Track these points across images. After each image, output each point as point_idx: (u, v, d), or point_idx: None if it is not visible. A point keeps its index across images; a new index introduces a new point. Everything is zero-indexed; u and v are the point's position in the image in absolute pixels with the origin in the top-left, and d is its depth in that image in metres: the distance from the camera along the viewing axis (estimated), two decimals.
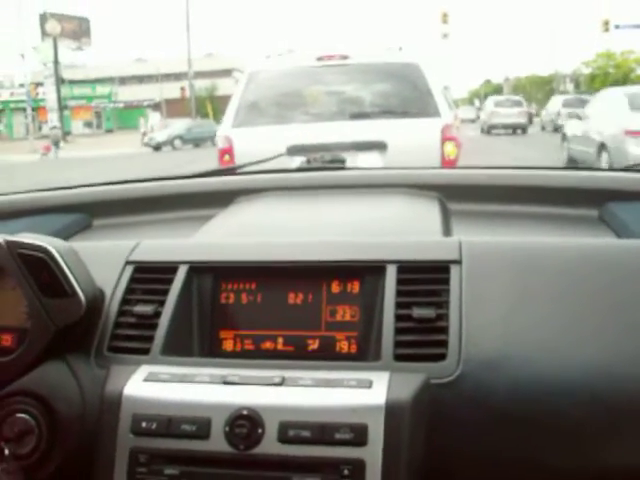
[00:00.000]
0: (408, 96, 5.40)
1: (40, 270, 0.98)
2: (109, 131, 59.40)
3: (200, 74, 51.98)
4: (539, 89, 75.16)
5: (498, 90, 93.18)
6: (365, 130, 5.07)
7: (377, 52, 5.57)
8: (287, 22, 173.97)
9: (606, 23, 35.15)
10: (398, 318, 1.03)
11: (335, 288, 1.10)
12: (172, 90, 56.75)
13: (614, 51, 55.62)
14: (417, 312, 1.03)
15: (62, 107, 44.65)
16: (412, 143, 5.01)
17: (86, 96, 58.04)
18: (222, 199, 1.70)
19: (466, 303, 1.03)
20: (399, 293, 1.05)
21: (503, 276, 1.07)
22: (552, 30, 65.33)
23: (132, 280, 1.15)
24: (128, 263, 1.17)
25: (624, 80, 53.68)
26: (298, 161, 5.06)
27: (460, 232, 1.35)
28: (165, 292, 1.11)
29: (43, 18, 44.88)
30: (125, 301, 1.12)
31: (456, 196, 1.63)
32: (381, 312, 1.05)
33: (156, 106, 58.41)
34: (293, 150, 4.99)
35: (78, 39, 50.59)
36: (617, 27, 36.37)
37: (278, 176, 1.85)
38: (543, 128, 29.77)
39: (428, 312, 1.03)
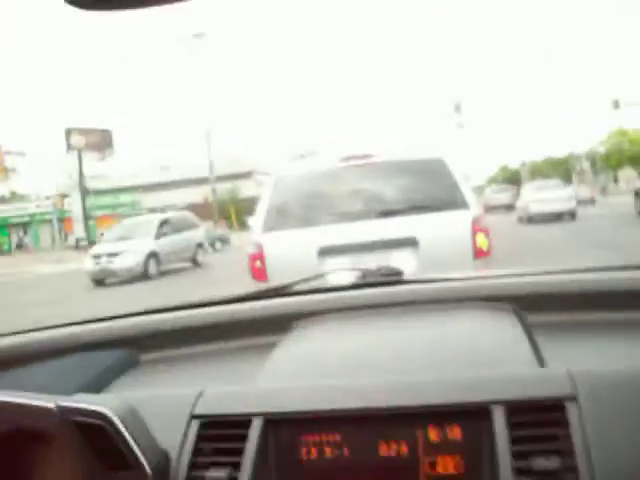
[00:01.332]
0: (435, 190, 5.39)
1: (98, 439, 0.87)
2: None
3: (222, 178, 53.15)
4: (556, 171, 75.84)
5: (516, 175, 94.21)
6: (395, 227, 5.05)
7: (401, 150, 5.61)
8: (303, 122, 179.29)
9: (616, 102, 35.80)
10: (518, 472, 0.88)
11: (433, 435, 0.96)
12: (196, 194, 57.98)
13: (627, 128, 56.43)
14: (538, 463, 0.88)
15: (87, 217, 45.67)
16: (443, 237, 4.99)
17: (110, 205, 59.38)
18: (279, 324, 1.57)
19: (594, 448, 0.88)
20: (514, 440, 0.91)
21: (632, 412, 0.91)
22: (565, 111, 66.35)
23: (200, 438, 1.02)
24: (194, 417, 1.05)
25: (638, 156, 54.20)
26: (331, 265, 5.14)
27: (549, 352, 1.20)
28: (239, 452, 0.99)
29: (68, 133, 46.64)
30: (194, 465, 0.99)
31: (533, 306, 1.47)
32: (492, 464, 0.91)
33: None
34: (324, 251, 4.99)
35: (102, 150, 52.26)
36: (628, 105, 37.04)
37: (335, 295, 1.70)
38: None
39: (552, 463, 0.88)
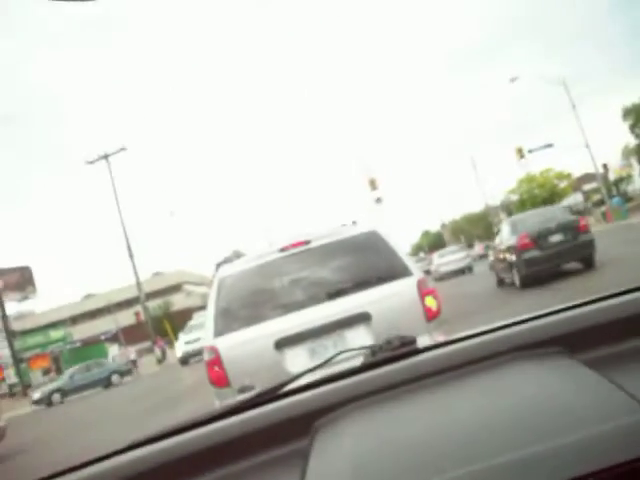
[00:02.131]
0: (377, 263, 5.47)
1: None
2: None
3: (151, 295, 52.42)
4: (477, 225, 78.29)
5: (438, 237, 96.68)
6: (345, 306, 5.06)
7: (335, 230, 5.70)
8: (221, 227, 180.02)
9: (520, 150, 37.62)
10: None
11: None
12: (127, 317, 56.84)
13: (534, 173, 59.13)
14: None
15: (18, 361, 43.73)
16: (393, 307, 5.02)
17: (41, 344, 57.28)
18: (293, 429, 1.33)
19: None
20: None
21: None
22: (475, 168, 69.13)
23: None
24: None
25: (552, 196, 56.63)
26: (291, 356, 5.12)
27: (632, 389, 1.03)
28: None
29: None
30: None
31: (582, 344, 1.31)
32: None
33: (114, 337, 58.10)
34: (281, 344, 4.95)
35: (23, 289, 50.84)
36: (530, 151, 38.97)
37: (348, 382, 1.45)
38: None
39: None
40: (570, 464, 0.80)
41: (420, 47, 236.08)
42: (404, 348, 1.55)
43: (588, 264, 14.94)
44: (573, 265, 15.37)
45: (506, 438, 0.95)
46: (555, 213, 16.42)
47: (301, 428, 1.32)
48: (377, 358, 1.54)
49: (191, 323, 33.18)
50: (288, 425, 1.34)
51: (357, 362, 1.60)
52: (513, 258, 15.23)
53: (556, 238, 14.67)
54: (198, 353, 27.94)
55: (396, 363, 1.46)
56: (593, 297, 1.49)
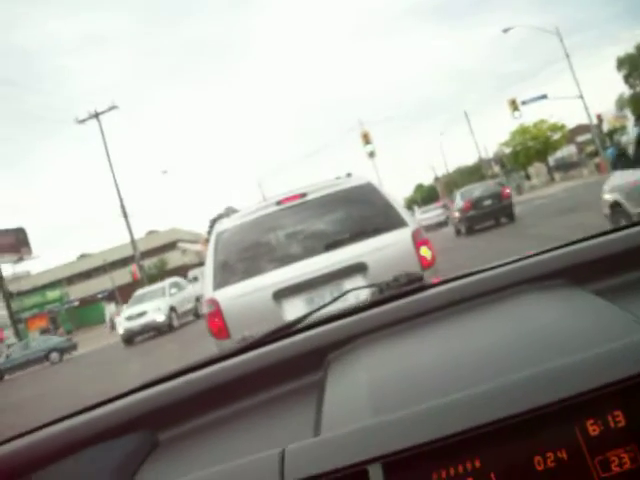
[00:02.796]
0: (372, 214, 5.54)
1: None
2: (69, 333, 58.67)
3: (146, 253, 52.43)
4: (470, 179, 78.14)
5: (432, 190, 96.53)
6: (342, 257, 5.14)
7: (330, 183, 5.74)
8: (212, 187, 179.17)
9: (513, 102, 37.10)
10: None
11: (595, 430, 0.80)
12: (123, 276, 56.96)
13: (527, 125, 58.68)
14: None
15: (16, 321, 43.83)
16: (389, 257, 5.10)
17: (38, 304, 57.44)
18: (307, 364, 1.35)
19: None
20: None
21: None
22: (468, 120, 68.77)
23: None
24: None
25: (545, 148, 56.38)
26: (289, 307, 5.21)
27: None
28: None
29: None
30: None
31: (584, 276, 1.34)
32: None
33: (110, 296, 58.32)
34: (279, 295, 5.04)
35: (18, 251, 50.74)
36: (524, 103, 38.31)
37: (358, 318, 1.47)
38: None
39: None
40: (572, 382, 0.83)
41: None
42: (411, 285, 1.58)
43: (510, 218, 23.57)
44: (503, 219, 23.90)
45: (510, 362, 0.99)
46: (489, 186, 25.84)
47: (315, 362, 1.36)
48: (385, 295, 1.57)
49: (137, 293, 27.43)
50: (302, 359, 1.37)
51: (365, 300, 1.63)
52: (460, 216, 24.47)
53: (487, 202, 23.63)
54: (145, 329, 24.38)
55: (404, 299, 1.49)
56: (597, 232, 1.52)
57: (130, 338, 24.42)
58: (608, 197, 8.25)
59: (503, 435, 0.81)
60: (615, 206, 7.99)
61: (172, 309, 24.87)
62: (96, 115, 39.08)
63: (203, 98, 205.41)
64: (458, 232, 25.55)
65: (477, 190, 25.08)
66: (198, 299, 26.44)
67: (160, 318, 24.11)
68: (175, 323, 24.69)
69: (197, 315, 26.32)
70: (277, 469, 0.86)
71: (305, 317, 1.66)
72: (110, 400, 1.46)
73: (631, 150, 8.69)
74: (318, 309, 1.71)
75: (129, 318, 24.51)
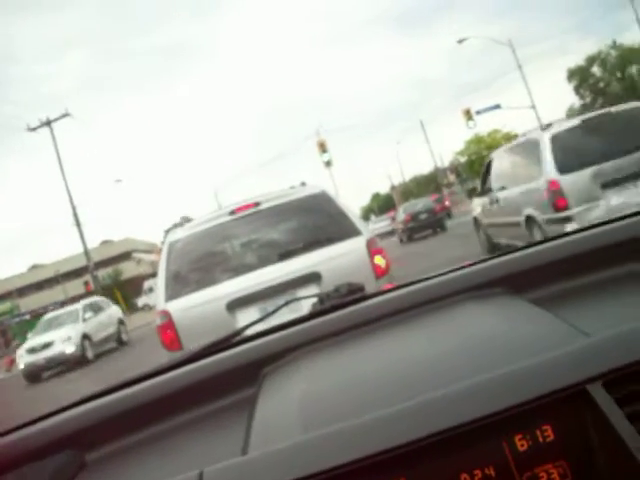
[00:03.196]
0: (326, 224, 5.53)
1: None
2: (18, 347, 57.22)
3: (100, 264, 51.63)
4: (426, 188, 78.97)
5: (388, 200, 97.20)
6: (296, 267, 5.11)
7: (285, 192, 5.71)
8: (170, 196, 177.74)
9: (468, 112, 37.65)
10: None
11: (523, 445, 0.78)
12: (77, 287, 55.94)
13: (481, 134, 59.69)
14: None
15: None
16: (343, 266, 5.10)
17: None
18: (241, 378, 1.31)
19: None
20: (630, 418, 0.76)
21: None
22: (424, 130, 69.54)
23: None
24: None
25: None
26: (243, 317, 5.14)
27: (575, 322, 1.05)
28: None
29: None
30: None
31: (525, 284, 1.34)
32: (610, 455, 0.76)
33: (63, 307, 57.16)
34: (233, 305, 4.98)
35: None
36: (478, 112, 38.93)
37: (297, 329, 1.44)
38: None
39: None
40: (500, 395, 0.80)
41: (368, 9, 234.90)
42: (352, 295, 1.55)
43: (442, 229, 29.00)
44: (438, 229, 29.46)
45: (448, 372, 0.97)
46: (426, 202, 31.86)
47: (250, 376, 1.32)
48: (325, 306, 1.54)
49: (45, 319, 23.09)
50: (237, 374, 1.33)
51: (306, 311, 1.59)
52: (403, 227, 30.28)
53: (423, 216, 29.32)
54: (52, 364, 19.72)
55: (344, 309, 1.46)
56: (536, 240, 1.50)
57: (34, 374, 19.84)
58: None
59: (429, 452, 0.78)
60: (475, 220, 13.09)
61: (85, 337, 20.26)
62: (48, 123, 38.35)
63: (158, 106, 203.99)
64: (401, 240, 31.22)
65: (416, 206, 31.25)
66: (122, 322, 23.55)
67: (69, 349, 19.57)
68: (89, 354, 20.09)
69: (120, 341, 22.77)
70: None
71: (246, 328, 1.61)
72: (39, 419, 1.39)
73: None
74: (259, 320, 1.67)
75: (31, 351, 19.96)
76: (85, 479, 1.19)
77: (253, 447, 0.97)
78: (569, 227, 7.88)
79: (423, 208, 29.82)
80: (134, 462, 1.19)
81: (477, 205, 12.51)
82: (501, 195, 10.28)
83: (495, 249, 11.61)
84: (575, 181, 7.86)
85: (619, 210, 6.90)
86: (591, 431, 0.78)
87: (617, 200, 7.67)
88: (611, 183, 7.73)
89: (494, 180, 10.84)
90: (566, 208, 7.93)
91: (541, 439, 0.78)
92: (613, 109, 8.85)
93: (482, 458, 0.78)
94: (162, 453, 1.20)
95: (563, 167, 7.92)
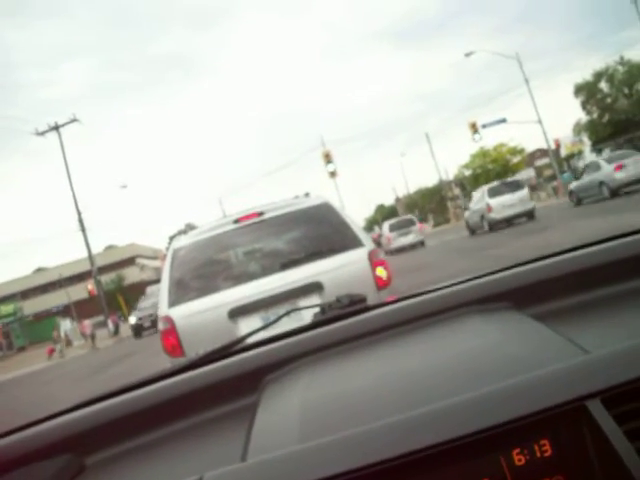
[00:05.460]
0: (329, 234, 5.55)
1: None
2: (21, 349, 57.19)
3: (104, 268, 51.73)
4: (430, 200, 79.01)
5: (393, 211, 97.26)
6: (299, 276, 5.12)
7: (288, 202, 5.74)
8: (175, 203, 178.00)
9: (473, 125, 37.63)
10: None
11: (520, 460, 0.78)
12: (79, 291, 56.01)
13: (487, 148, 59.62)
14: None
15: None
16: (345, 276, 5.11)
17: None
18: (242, 386, 1.32)
19: None
20: (629, 436, 0.75)
21: None
22: (429, 142, 69.62)
23: None
24: None
25: (505, 171, 57.37)
26: (245, 325, 5.17)
27: (578, 339, 1.05)
28: None
29: None
30: None
31: (528, 299, 1.34)
32: (609, 473, 0.75)
33: (65, 311, 57.27)
34: (235, 313, 4.99)
35: None
36: (484, 126, 38.96)
37: (299, 339, 1.44)
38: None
39: None
40: (498, 409, 0.80)
41: (375, 22, 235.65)
42: (354, 306, 1.55)
43: (422, 245, 34.31)
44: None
45: (447, 385, 0.97)
46: (409, 221, 37.51)
47: (251, 384, 1.32)
48: (327, 316, 1.54)
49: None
50: (237, 382, 1.34)
51: (308, 321, 1.60)
52: (386, 242, 35.89)
53: (403, 233, 35.61)
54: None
55: (345, 320, 1.46)
56: (540, 255, 1.53)
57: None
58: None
59: (426, 464, 0.78)
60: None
61: None
62: (56, 127, 38.57)
63: (166, 113, 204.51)
64: (386, 252, 33.59)
65: (400, 224, 36.90)
66: None
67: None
68: None
69: None
70: None
71: (247, 336, 1.62)
72: (40, 421, 1.40)
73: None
74: (261, 328, 1.68)
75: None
76: None
77: (252, 454, 0.98)
78: (501, 224, 24.52)
79: (406, 226, 36.37)
80: (134, 467, 1.20)
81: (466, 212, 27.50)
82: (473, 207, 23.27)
83: (472, 231, 27.43)
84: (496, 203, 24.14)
85: None
86: (589, 447, 0.77)
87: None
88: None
89: (472, 202, 23.01)
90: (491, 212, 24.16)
91: (539, 454, 0.78)
92: None
93: (479, 472, 0.78)
94: (162, 458, 1.21)
95: (490, 194, 24.42)
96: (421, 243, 35.20)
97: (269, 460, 0.85)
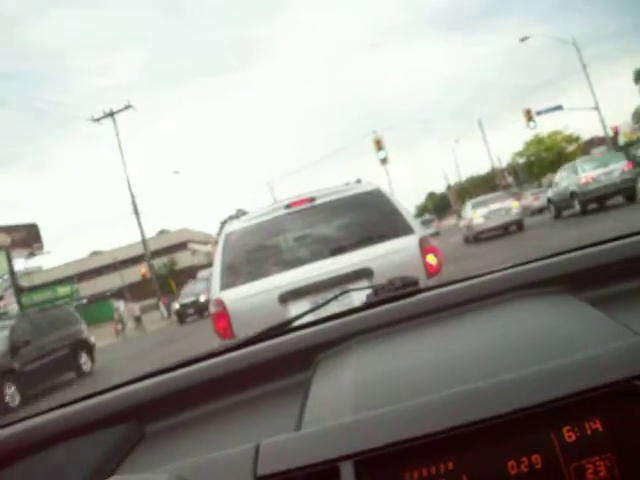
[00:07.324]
0: (380, 221, 5.55)
1: None
2: None
3: (156, 253, 52.59)
4: (482, 188, 77.94)
5: (444, 199, 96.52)
6: (349, 262, 5.15)
7: (340, 188, 5.76)
8: (225, 188, 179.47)
9: (528, 112, 36.79)
10: None
11: (571, 437, 0.78)
12: (132, 274, 57.10)
13: (541, 135, 58.38)
14: None
15: None
16: (395, 263, 5.11)
17: (49, 299, 57.46)
18: (296, 363, 1.36)
19: None
20: None
21: None
22: (482, 129, 68.61)
23: None
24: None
25: (559, 159, 56.17)
26: (295, 309, 5.21)
27: (627, 322, 1.04)
28: None
29: None
30: None
31: (580, 284, 1.34)
32: None
33: (119, 294, 58.47)
34: (285, 297, 5.05)
35: (29, 246, 50.88)
36: (539, 113, 37.98)
37: (352, 319, 1.47)
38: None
39: None
40: (550, 387, 0.81)
41: (428, 9, 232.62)
42: (406, 288, 1.57)
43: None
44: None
45: (497, 363, 0.99)
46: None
47: (304, 361, 1.36)
48: (379, 297, 1.57)
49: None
50: (291, 358, 1.38)
51: (357, 305, 1.62)
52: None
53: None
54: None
55: (398, 302, 1.48)
56: (596, 240, 1.52)
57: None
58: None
59: (478, 438, 0.80)
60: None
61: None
62: (111, 114, 39.26)
63: (218, 100, 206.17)
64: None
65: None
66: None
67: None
68: None
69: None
70: (251, 463, 0.86)
71: (299, 317, 1.67)
72: (102, 391, 1.48)
73: None
74: (313, 309, 1.73)
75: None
76: (144, 449, 1.26)
77: (307, 425, 1.02)
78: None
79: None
80: (191, 435, 1.26)
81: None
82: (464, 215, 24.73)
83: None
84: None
85: None
86: (637, 427, 0.78)
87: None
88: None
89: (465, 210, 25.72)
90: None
91: (590, 432, 0.78)
92: None
93: (530, 447, 0.79)
94: (219, 428, 1.26)
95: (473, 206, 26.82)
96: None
97: (324, 429, 0.89)
